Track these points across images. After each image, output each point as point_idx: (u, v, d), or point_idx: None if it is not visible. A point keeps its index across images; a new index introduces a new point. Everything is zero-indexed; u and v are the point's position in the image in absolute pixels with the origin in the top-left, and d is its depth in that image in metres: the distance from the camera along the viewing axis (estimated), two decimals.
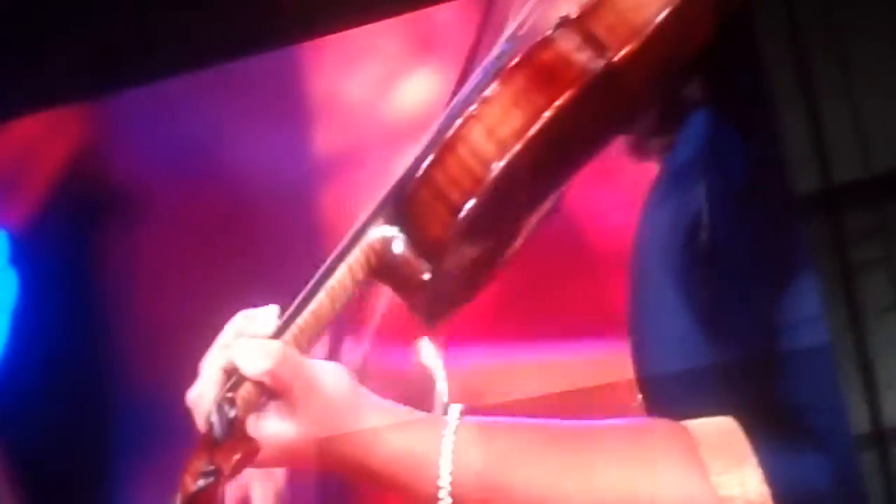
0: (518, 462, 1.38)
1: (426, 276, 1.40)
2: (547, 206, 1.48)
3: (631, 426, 1.41)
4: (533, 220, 1.47)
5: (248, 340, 1.44)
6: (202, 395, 1.44)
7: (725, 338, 1.39)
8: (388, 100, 2.53)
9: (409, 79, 2.53)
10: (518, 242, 1.46)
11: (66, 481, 2.66)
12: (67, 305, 2.76)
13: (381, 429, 1.41)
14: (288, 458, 1.45)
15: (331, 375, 1.44)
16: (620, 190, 1.95)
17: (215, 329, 1.45)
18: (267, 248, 2.52)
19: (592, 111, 1.38)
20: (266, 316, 1.47)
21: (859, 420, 1.35)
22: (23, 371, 2.71)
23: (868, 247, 1.36)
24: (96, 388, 2.74)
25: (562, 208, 1.50)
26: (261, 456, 1.39)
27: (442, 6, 2.48)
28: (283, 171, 2.59)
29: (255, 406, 1.42)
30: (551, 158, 1.39)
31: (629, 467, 1.36)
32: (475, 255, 1.43)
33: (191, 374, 1.46)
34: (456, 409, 1.41)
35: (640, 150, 1.56)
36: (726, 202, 1.41)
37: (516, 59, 1.40)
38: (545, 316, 1.79)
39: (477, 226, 1.39)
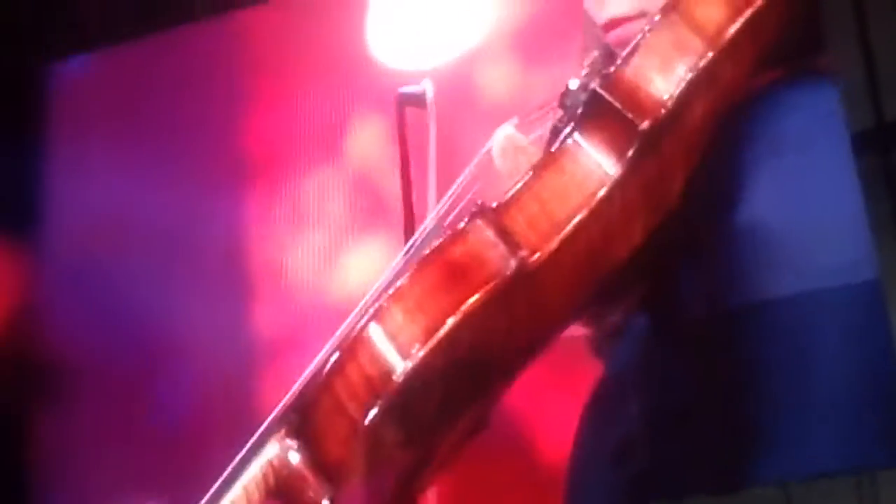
0: None
1: (326, 502, 1.21)
2: (471, 421, 1.34)
3: None
4: (455, 436, 1.32)
5: None
6: None
7: None
8: (332, 274, 2.42)
9: (354, 251, 2.42)
10: (442, 460, 1.32)
11: None
12: None
13: None
14: None
15: None
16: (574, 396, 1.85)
17: None
18: (202, 437, 2.39)
19: (506, 315, 1.22)
20: None
21: None
22: None
23: None
24: None
25: (493, 424, 1.36)
26: None
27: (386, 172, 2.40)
28: (221, 351, 2.48)
29: None
30: (462, 369, 1.22)
31: None
32: (388, 475, 1.26)
33: None
34: None
35: (592, 348, 1.45)
36: (660, 420, 1.30)
37: (427, 252, 1.24)
38: None
39: (383, 443, 1.20)
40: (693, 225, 1.32)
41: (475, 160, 1.49)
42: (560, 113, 1.40)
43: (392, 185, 2.41)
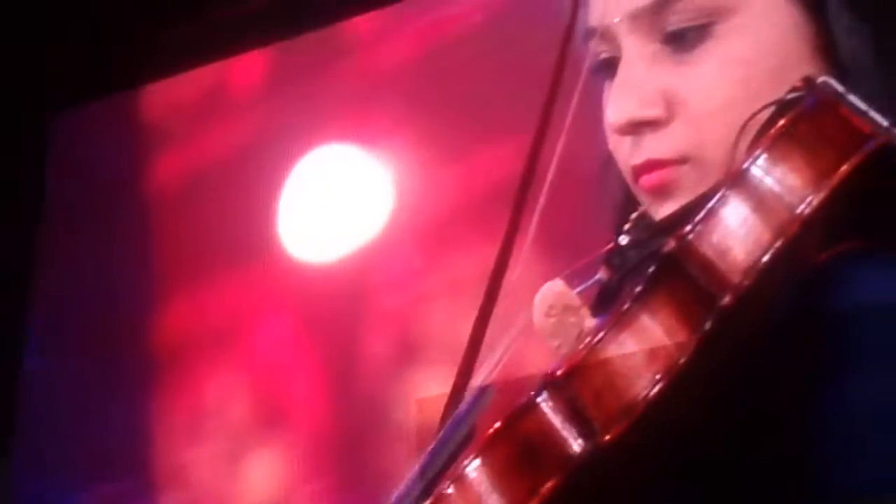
0: None
1: None
2: None
3: None
4: None
5: None
6: None
7: None
8: (233, 478, 2.36)
9: (254, 456, 2.37)
10: None
11: None
12: None
13: None
14: None
15: None
16: None
17: None
18: None
19: (575, 500, 1.14)
20: None
21: None
22: None
23: None
24: None
25: None
26: None
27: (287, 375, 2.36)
28: None
29: None
30: None
31: None
32: None
33: None
34: None
35: None
36: None
37: (496, 428, 1.16)
38: None
39: None
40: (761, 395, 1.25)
41: (518, 324, 1.38)
42: (606, 272, 1.32)
43: (292, 390, 2.37)
